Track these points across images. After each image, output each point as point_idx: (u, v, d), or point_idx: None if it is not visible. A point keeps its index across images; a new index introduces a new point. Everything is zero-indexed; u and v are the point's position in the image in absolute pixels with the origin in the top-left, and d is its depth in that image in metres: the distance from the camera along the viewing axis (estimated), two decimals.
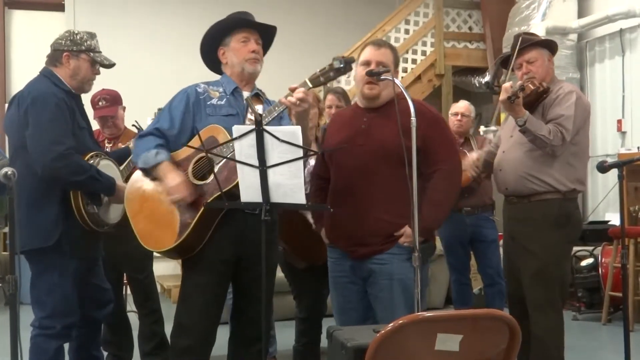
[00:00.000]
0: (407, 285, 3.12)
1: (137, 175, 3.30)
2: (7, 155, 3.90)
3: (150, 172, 3.19)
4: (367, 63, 3.28)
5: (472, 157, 4.16)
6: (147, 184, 3.24)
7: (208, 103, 3.25)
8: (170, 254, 3.26)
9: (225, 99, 3.27)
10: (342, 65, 2.97)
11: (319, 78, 3.05)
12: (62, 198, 3.31)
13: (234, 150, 2.91)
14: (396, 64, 3.36)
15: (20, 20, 9.67)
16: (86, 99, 4.09)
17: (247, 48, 3.29)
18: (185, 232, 3.09)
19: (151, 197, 3.23)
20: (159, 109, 3.46)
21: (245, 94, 3.32)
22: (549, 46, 3.94)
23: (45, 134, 3.24)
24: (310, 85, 3.05)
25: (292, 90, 3.03)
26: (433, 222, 3.30)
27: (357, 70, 3.35)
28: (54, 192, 3.30)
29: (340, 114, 3.13)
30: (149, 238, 3.20)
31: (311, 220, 3.66)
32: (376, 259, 3.25)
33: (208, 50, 3.38)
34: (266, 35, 3.40)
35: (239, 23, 3.32)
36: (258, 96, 3.39)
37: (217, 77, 3.43)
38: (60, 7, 9.56)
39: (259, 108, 3.26)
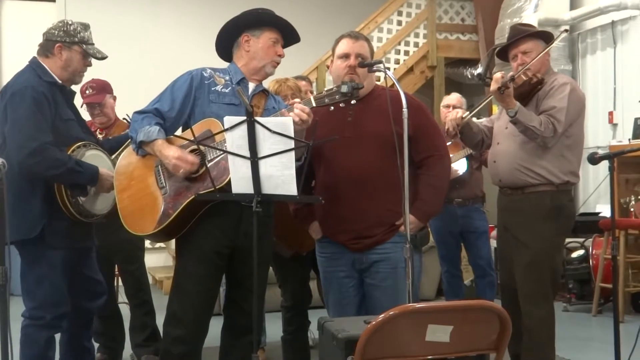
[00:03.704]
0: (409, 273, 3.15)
1: (131, 150, 3.30)
2: None
3: (144, 147, 3.18)
4: (345, 55, 3.30)
5: (457, 113, 4.04)
6: (139, 162, 3.25)
7: (212, 89, 3.24)
8: (146, 237, 3.34)
9: (230, 88, 3.26)
10: (348, 91, 2.98)
11: (324, 99, 3.06)
12: (46, 190, 3.30)
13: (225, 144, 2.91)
14: (371, 55, 3.37)
15: (11, 10, 9.60)
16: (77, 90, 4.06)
17: (275, 50, 3.29)
18: (165, 222, 3.11)
19: (139, 176, 3.24)
20: None
21: (251, 85, 3.32)
22: (546, 38, 3.93)
23: (19, 131, 3.23)
24: (314, 104, 3.08)
25: (293, 104, 3.05)
26: (434, 206, 3.39)
27: (335, 64, 3.35)
28: (37, 185, 3.29)
29: (317, 110, 3.13)
30: (129, 218, 3.22)
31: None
32: (379, 248, 3.28)
33: (229, 33, 3.34)
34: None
35: (275, 23, 3.31)
36: (264, 93, 3.39)
37: (213, 65, 3.42)
38: None
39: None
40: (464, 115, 4.01)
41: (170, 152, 3.09)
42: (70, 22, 3.52)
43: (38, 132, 3.23)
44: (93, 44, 3.54)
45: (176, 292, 3.24)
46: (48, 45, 3.46)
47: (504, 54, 4.06)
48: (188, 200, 3.08)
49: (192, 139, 2.97)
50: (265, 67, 3.30)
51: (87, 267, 3.61)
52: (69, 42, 3.45)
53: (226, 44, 3.38)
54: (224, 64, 3.42)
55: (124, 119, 4.60)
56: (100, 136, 4.62)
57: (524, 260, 3.79)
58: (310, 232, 3.45)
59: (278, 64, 3.34)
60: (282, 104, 3.45)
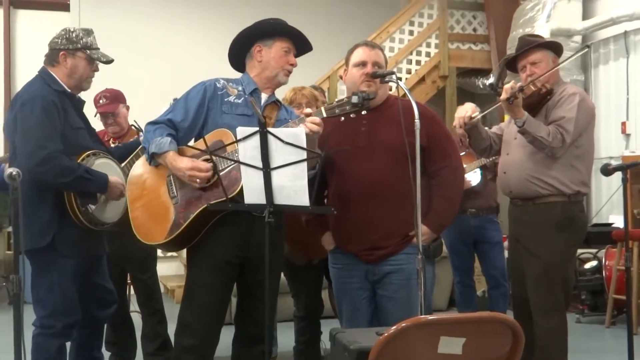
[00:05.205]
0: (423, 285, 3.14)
1: (144, 160, 3.31)
2: None
3: (156, 159, 3.19)
4: (362, 64, 3.29)
5: (466, 111, 3.88)
6: (151, 173, 3.27)
7: (225, 100, 3.25)
8: (157, 246, 3.38)
9: (242, 99, 3.27)
10: (359, 102, 2.99)
11: (335, 109, 3.06)
12: (56, 199, 3.32)
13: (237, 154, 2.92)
14: (385, 65, 3.38)
15: (26, 20, 9.69)
16: (90, 99, 4.08)
17: (287, 59, 3.30)
18: (176, 232, 3.13)
19: (151, 186, 3.26)
20: (174, 99, 3.45)
21: (264, 96, 3.32)
22: (554, 48, 3.93)
23: (29, 140, 3.25)
24: (325, 115, 3.08)
25: (307, 115, 3.05)
26: (447, 217, 3.36)
27: (351, 72, 3.34)
28: (47, 194, 3.31)
29: (329, 120, 3.12)
30: (141, 227, 3.24)
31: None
32: (392, 259, 3.27)
33: (242, 43, 3.35)
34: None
35: (287, 32, 3.32)
36: (276, 103, 3.40)
37: (225, 74, 3.43)
38: (65, 7, 9.56)
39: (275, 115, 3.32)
40: (472, 115, 3.91)
41: (182, 164, 3.09)
42: (72, 29, 3.54)
43: (47, 141, 3.25)
44: (97, 49, 3.55)
45: (187, 302, 3.24)
46: (53, 55, 3.48)
47: (513, 65, 4.06)
48: (199, 210, 3.09)
49: (204, 149, 2.98)
50: (278, 76, 3.30)
51: (97, 275, 3.63)
52: (72, 49, 3.47)
53: (239, 54, 3.39)
54: (237, 73, 3.44)
55: (132, 125, 4.61)
56: (114, 145, 4.64)
57: (536, 271, 3.77)
58: (322, 243, 3.45)
59: (290, 72, 3.34)
60: (294, 115, 3.45)
